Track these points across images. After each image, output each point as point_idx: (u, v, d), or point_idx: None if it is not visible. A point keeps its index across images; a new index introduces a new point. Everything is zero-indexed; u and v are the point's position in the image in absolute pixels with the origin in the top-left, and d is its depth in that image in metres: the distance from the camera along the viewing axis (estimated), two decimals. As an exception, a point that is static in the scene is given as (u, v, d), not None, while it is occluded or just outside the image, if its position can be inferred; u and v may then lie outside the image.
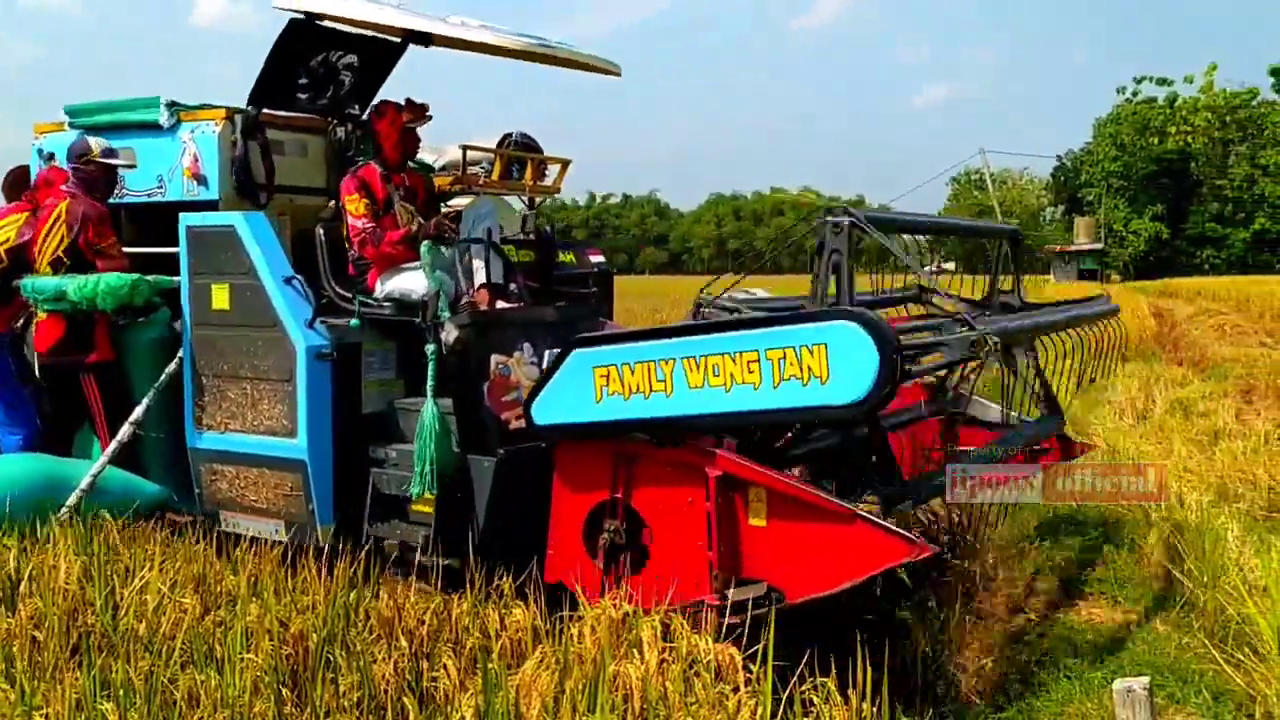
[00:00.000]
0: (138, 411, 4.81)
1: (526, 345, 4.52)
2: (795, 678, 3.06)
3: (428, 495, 4.22)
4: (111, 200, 5.18)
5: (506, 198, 5.87)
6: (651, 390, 3.48)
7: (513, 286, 4.89)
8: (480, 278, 4.69)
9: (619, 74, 5.41)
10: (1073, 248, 57.80)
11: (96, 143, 5.04)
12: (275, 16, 4.74)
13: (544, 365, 4.28)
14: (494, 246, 4.84)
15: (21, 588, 3.88)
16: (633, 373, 3.52)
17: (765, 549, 3.48)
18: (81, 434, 5.16)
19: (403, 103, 4.94)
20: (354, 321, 4.57)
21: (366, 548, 4.18)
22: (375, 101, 5.20)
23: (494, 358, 4.35)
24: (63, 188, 5.00)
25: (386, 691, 3.28)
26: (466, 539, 4.16)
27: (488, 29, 4.78)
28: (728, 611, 3.38)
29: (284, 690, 3.13)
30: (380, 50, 5.34)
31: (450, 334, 4.25)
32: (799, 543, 3.41)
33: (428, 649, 3.61)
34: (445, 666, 3.37)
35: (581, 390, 3.63)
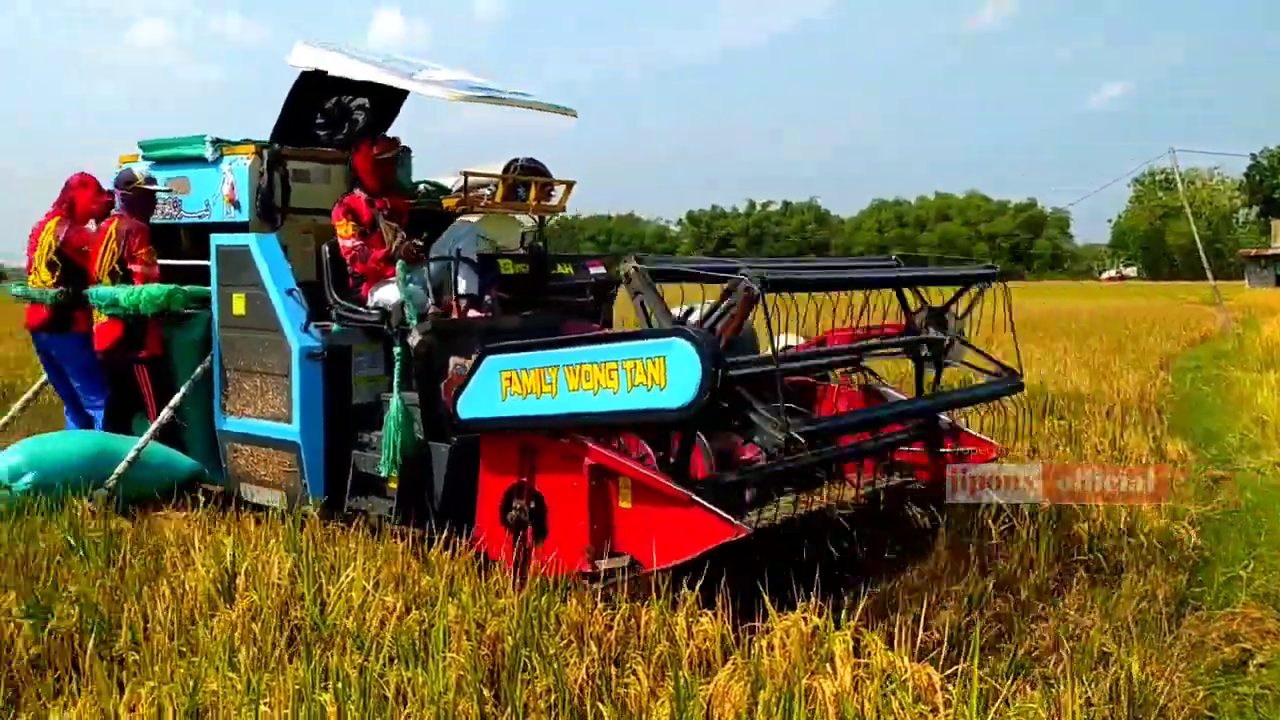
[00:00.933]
0: (175, 399, 5.83)
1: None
2: (1000, 701, 2.96)
3: (394, 474, 4.95)
4: (169, 220, 6.23)
5: (517, 215, 6.59)
6: (542, 392, 4.11)
7: (487, 298, 5.67)
8: (460, 289, 5.49)
9: (575, 115, 6.12)
10: (1269, 251, 54.22)
11: (139, 171, 6.08)
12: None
13: None
14: (468, 263, 5.63)
15: (238, 581, 4.13)
16: (529, 376, 4.16)
17: (630, 527, 4.05)
18: (139, 416, 6.10)
19: (377, 139, 5.89)
20: (335, 328, 5.40)
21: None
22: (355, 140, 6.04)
23: (453, 360, 4.83)
24: (112, 211, 6.06)
25: (579, 696, 3.34)
26: (427, 511, 4.82)
27: (437, 85, 5.58)
28: (602, 579, 3.98)
29: (484, 689, 3.22)
30: (387, 93, 6.19)
31: (414, 339, 4.99)
32: (654, 522, 3.95)
33: (615, 655, 3.66)
34: (636, 673, 3.39)
35: (491, 390, 4.28)
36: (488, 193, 6.12)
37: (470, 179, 6.02)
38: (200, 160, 6.00)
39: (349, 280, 5.61)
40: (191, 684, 3.12)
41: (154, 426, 5.76)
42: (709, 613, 3.81)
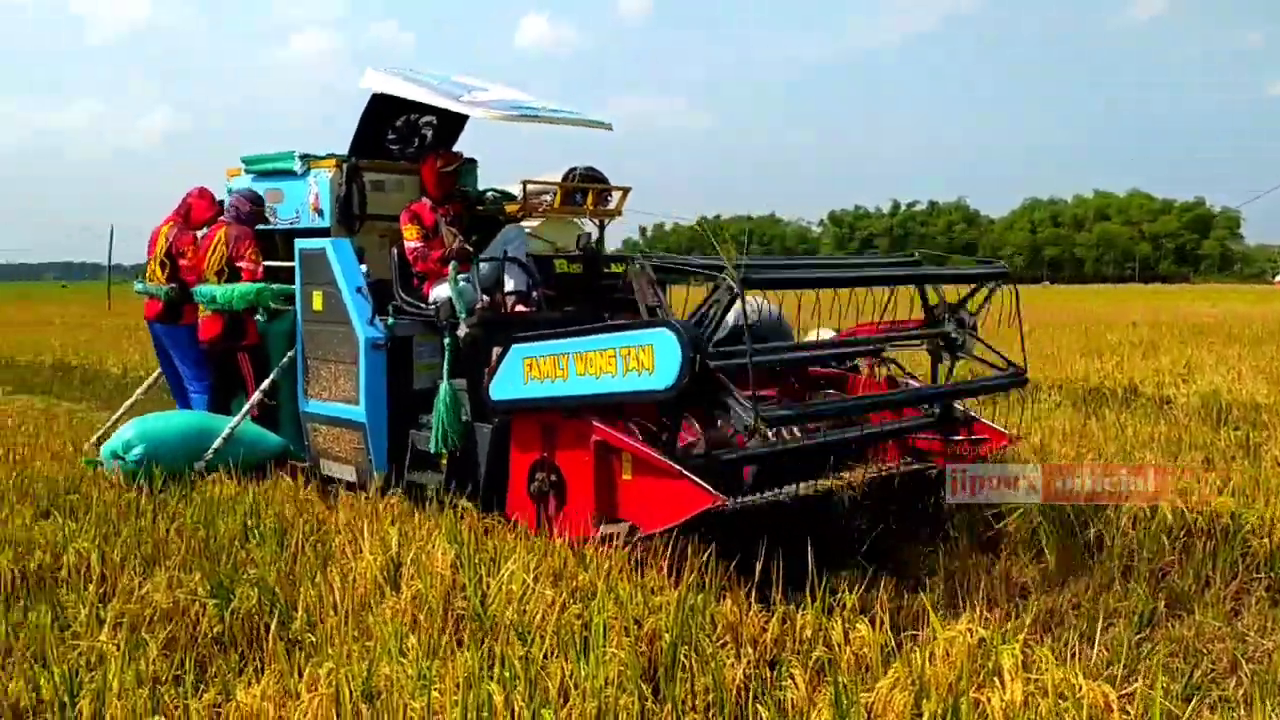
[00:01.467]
0: (265, 383, 6.60)
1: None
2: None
3: (444, 451, 5.52)
4: (268, 227, 6.96)
5: (576, 219, 7.16)
6: (556, 376, 4.67)
7: (534, 294, 6.16)
8: (509, 287, 6.04)
9: (610, 129, 6.66)
10: None
11: (275, 193, 6.94)
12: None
13: None
14: (515, 262, 6.16)
15: (403, 570, 4.28)
16: (546, 362, 4.71)
17: (630, 496, 4.54)
18: (238, 398, 6.86)
19: (441, 153, 6.60)
20: (390, 321, 6.02)
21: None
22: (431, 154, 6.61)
23: (495, 350, 5.21)
24: (221, 218, 6.90)
25: (736, 697, 3.33)
26: (475, 485, 5.34)
27: (480, 105, 6.22)
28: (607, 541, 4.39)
29: (643, 685, 3.24)
30: (452, 112, 6.70)
31: (462, 331, 5.56)
32: (650, 491, 4.42)
33: (770, 657, 3.64)
34: (793, 677, 3.36)
35: (516, 375, 4.86)
36: (547, 199, 6.73)
37: (530, 187, 6.67)
38: (291, 173, 6.76)
39: (414, 279, 6.23)
40: (365, 667, 3.24)
41: (245, 408, 6.58)
42: (866, 618, 3.76)
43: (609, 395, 4.50)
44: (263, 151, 7.05)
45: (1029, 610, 4.32)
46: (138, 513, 5.26)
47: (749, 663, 3.49)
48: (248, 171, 7.18)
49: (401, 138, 7.00)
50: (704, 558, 4.16)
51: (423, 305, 6.03)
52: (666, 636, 3.53)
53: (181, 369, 7.24)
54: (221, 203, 7.09)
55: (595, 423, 4.60)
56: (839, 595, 3.90)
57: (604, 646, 3.37)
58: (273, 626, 3.72)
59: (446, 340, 5.61)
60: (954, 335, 5.43)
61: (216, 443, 6.34)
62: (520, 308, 6.10)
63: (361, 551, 4.43)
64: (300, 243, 6.48)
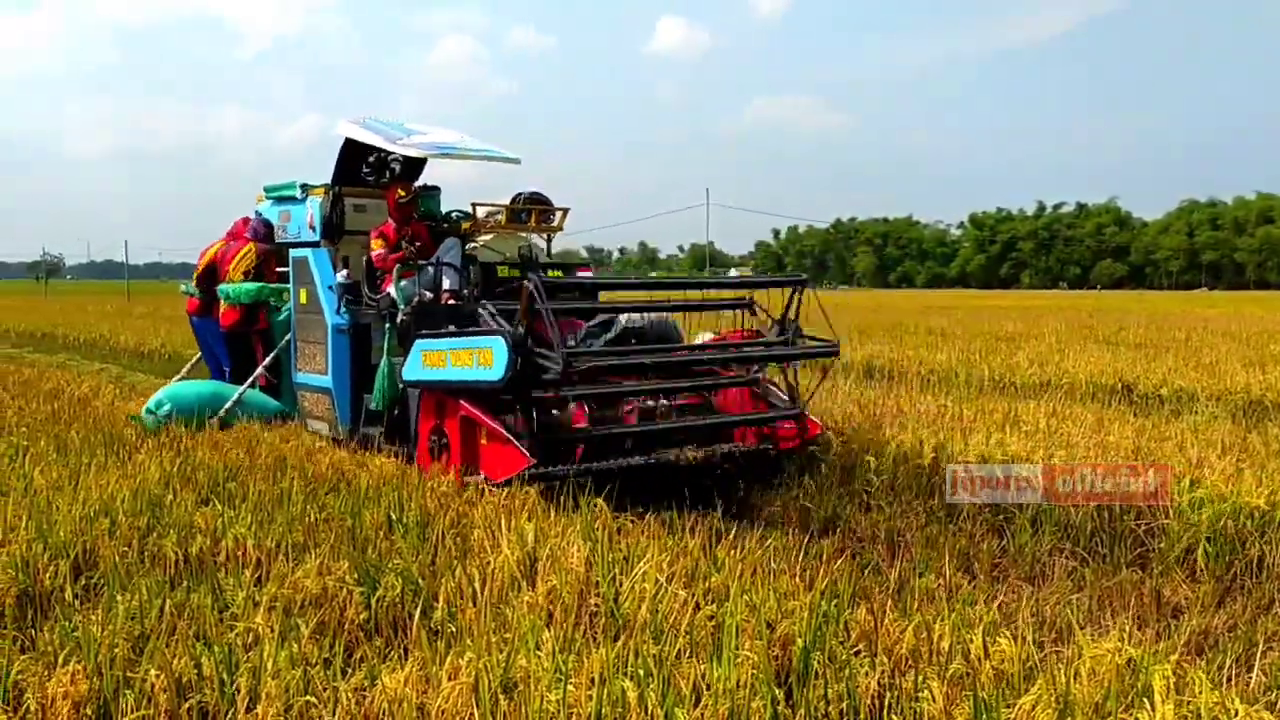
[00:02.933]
0: (267, 360, 8.93)
1: (451, 327, 6.81)
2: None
3: (383, 409, 7.36)
4: (282, 242, 9.12)
5: (524, 233, 8.76)
6: (439, 365, 6.26)
7: (465, 292, 7.49)
8: (445, 285, 7.51)
9: (519, 163, 8.30)
10: None
11: (267, 216, 9.25)
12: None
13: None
14: (449, 266, 7.65)
15: (539, 566, 4.36)
16: (434, 355, 6.32)
17: (485, 456, 6.13)
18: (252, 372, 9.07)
19: (400, 183, 8.32)
20: (344, 311, 7.89)
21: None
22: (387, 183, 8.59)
23: (424, 333, 6.74)
24: (246, 234, 9.22)
25: (870, 706, 3.28)
26: (409, 434, 7.06)
27: (411, 146, 7.89)
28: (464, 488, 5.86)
29: (775, 690, 3.23)
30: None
31: (399, 319, 7.15)
32: (495, 453, 6.01)
33: (905, 667, 3.57)
34: (930, 689, 3.29)
35: (417, 362, 6.51)
36: (497, 218, 8.31)
37: (480, 209, 8.28)
38: (296, 199, 8.86)
39: (376, 280, 7.84)
40: (504, 658, 3.32)
41: (250, 379, 8.87)
42: (1006, 632, 3.65)
43: (467, 383, 6.03)
44: (280, 182, 9.19)
45: (1181, 630, 4.14)
46: (290, 501, 5.50)
47: (884, 672, 3.43)
48: (269, 198, 9.31)
49: (374, 170, 8.87)
50: (838, 564, 4.12)
51: (377, 299, 7.69)
52: (799, 641, 3.50)
53: (218, 350, 9.59)
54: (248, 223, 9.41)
55: (463, 402, 6.17)
56: (976, 606, 3.79)
57: (736, 649, 3.37)
58: (416, 615, 3.84)
59: (388, 325, 7.30)
60: (786, 339, 6.92)
61: (228, 404, 8.51)
62: (451, 302, 7.44)
63: (499, 546, 4.53)
64: (293, 251, 8.58)
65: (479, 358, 5.86)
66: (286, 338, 8.75)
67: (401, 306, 7.22)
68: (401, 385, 7.04)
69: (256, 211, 9.45)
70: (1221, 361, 13.06)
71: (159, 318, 26.71)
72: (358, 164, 8.73)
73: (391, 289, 7.50)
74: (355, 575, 4.23)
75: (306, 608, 3.95)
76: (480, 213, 8.32)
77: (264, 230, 9.14)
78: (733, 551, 4.55)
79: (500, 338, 5.72)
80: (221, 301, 9.18)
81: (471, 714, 3.11)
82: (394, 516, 5.25)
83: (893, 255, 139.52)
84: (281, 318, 8.92)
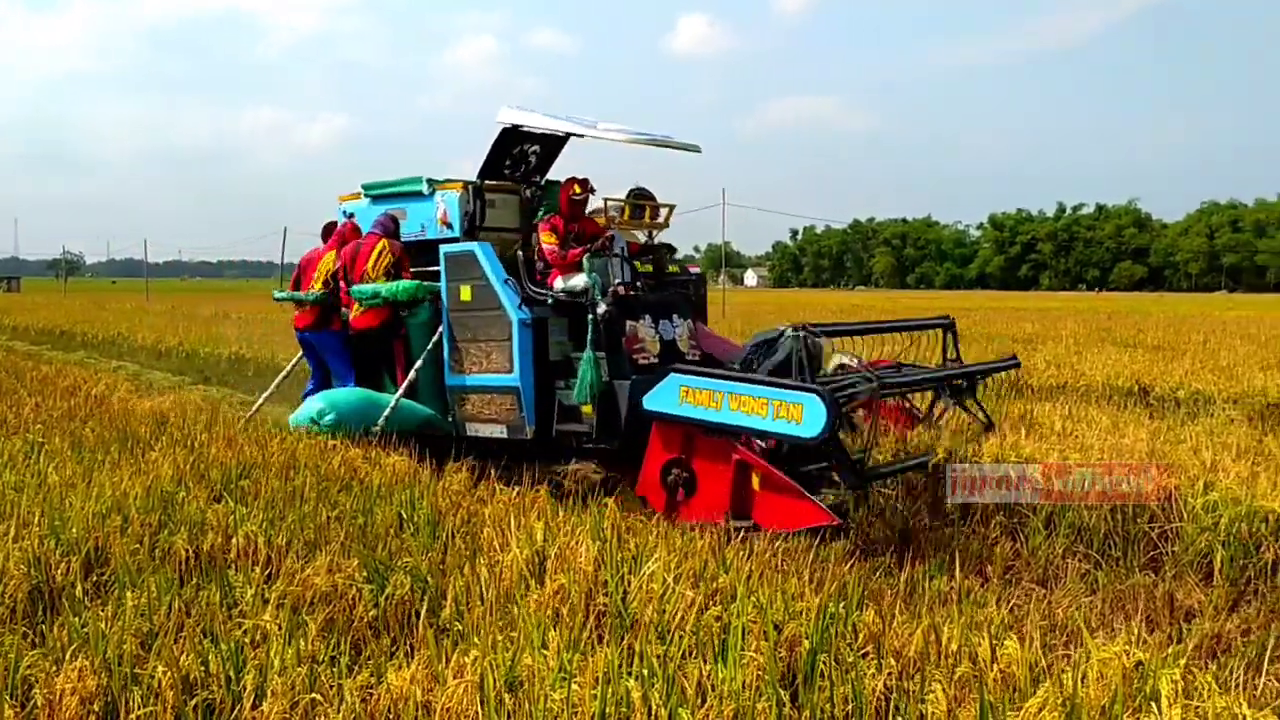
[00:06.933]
0: (418, 364, 7.97)
1: (646, 316, 7.46)
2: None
3: (587, 407, 7.09)
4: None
5: (635, 231, 8.64)
6: (709, 405, 5.92)
7: (638, 284, 7.69)
8: (617, 278, 7.43)
9: (698, 150, 8.23)
10: None
11: (398, 212, 8.41)
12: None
13: (657, 330, 7.54)
14: (625, 260, 7.70)
15: (548, 565, 4.36)
16: (701, 393, 5.97)
17: (761, 503, 5.81)
18: (385, 378, 8.35)
19: (577, 180, 7.92)
20: (549, 300, 7.51)
21: None
22: (563, 179, 8.08)
23: (628, 323, 7.23)
24: (374, 232, 8.23)
25: (876, 708, 3.27)
26: (615, 430, 6.99)
27: (612, 130, 7.73)
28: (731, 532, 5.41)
29: (781, 691, 3.22)
30: (553, 142, 8.40)
31: (602, 309, 7.07)
32: (776, 503, 5.72)
33: (913, 670, 3.56)
34: (935, 693, 3.28)
35: (671, 395, 6.12)
36: (616, 215, 8.12)
37: (609, 202, 8.13)
38: (417, 195, 8.25)
39: (536, 274, 7.71)
40: (509, 657, 3.33)
41: (404, 385, 8.00)
42: (1014, 635, 3.63)
43: (757, 430, 5.78)
44: (380, 179, 8.59)
45: (1192, 634, 4.11)
46: (301, 499, 5.52)
47: (890, 674, 3.42)
48: (367, 196, 8.70)
49: (514, 163, 8.43)
50: (848, 566, 4.11)
51: (551, 292, 7.48)
52: (806, 643, 3.49)
53: (332, 365, 8.67)
54: (358, 227, 8.61)
55: (739, 445, 5.92)
56: (986, 609, 3.78)
57: (742, 650, 3.37)
58: (423, 613, 3.85)
59: (590, 317, 7.08)
60: (962, 385, 7.28)
61: (387, 411, 7.75)
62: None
63: (509, 544, 4.54)
64: (446, 248, 7.88)
65: (778, 409, 5.56)
66: (433, 339, 7.99)
67: (599, 298, 7.10)
68: (605, 379, 6.98)
69: (344, 212, 8.86)
70: (1239, 364, 12.96)
71: (177, 315, 26.89)
72: (504, 156, 8.26)
73: (574, 280, 7.41)
74: (365, 573, 4.25)
75: (315, 605, 3.97)
76: (608, 207, 8.15)
77: (394, 227, 8.38)
78: (741, 552, 4.54)
79: (816, 396, 5.43)
80: (356, 304, 8.21)
81: (476, 712, 3.12)
82: (405, 515, 5.27)
83: (911, 256, 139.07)
84: (418, 319, 8.14)
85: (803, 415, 5.48)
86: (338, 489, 5.88)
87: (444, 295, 7.88)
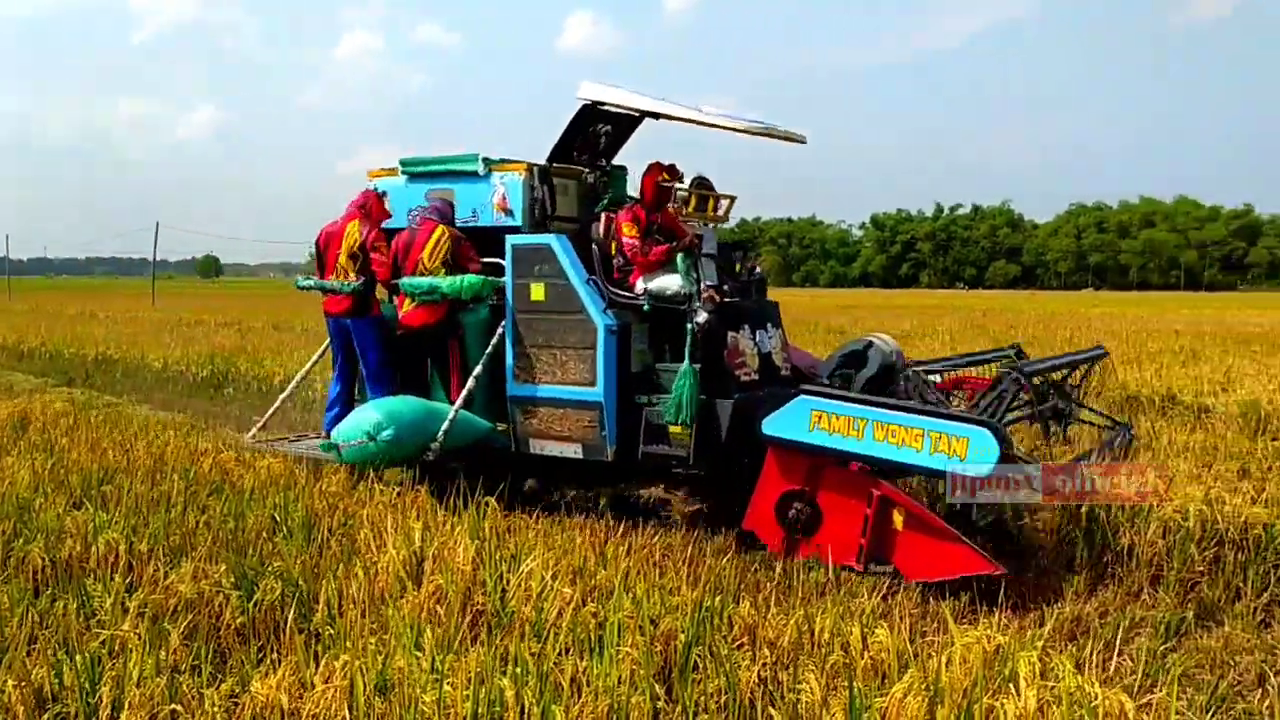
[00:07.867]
0: (477, 370, 6.59)
1: (745, 326, 6.33)
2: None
3: (679, 426, 5.92)
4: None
5: (696, 220, 7.53)
6: (849, 433, 5.16)
7: (725, 286, 6.48)
8: (708, 280, 6.27)
9: (804, 141, 7.07)
10: None
11: (446, 192, 7.01)
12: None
13: (755, 342, 6.35)
14: (710, 258, 6.39)
15: (425, 565, 4.30)
16: (839, 420, 5.20)
17: (899, 544, 5.11)
18: (434, 385, 6.99)
19: (664, 166, 6.70)
20: (645, 307, 6.28)
21: None
22: (649, 162, 6.85)
23: (729, 334, 6.07)
24: (431, 217, 6.84)
25: (750, 698, 3.32)
26: (711, 455, 5.85)
27: (701, 111, 6.53)
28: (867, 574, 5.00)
29: (656, 685, 3.24)
30: (626, 122, 7.19)
31: (701, 317, 5.96)
32: (920, 545, 5.02)
33: (787, 660, 3.62)
34: (808, 681, 3.34)
35: (801, 421, 5.32)
36: (681, 205, 7.18)
37: (678, 191, 7.04)
38: (470, 175, 6.93)
39: (614, 273, 6.54)
40: (381, 660, 3.27)
41: (464, 393, 6.63)
42: (885, 623, 3.73)
43: (908, 466, 5.10)
44: (422, 155, 7.30)
45: (1052, 618, 4.28)
46: (169, 504, 5.33)
47: (764, 665, 3.48)
48: (405, 173, 7.34)
49: (584, 145, 7.32)
50: (723, 560, 4.15)
51: (639, 297, 6.37)
52: (682, 637, 3.53)
53: (369, 361, 7.19)
54: (381, 198, 7.28)
55: (881, 480, 5.23)
56: (858, 600, 3.87)
57: (618, 645, 3.37)
58: (290, 618, 3.75)
59: (689, 325, 6.01)
60: (1061, 407, 6.84)
61: (445, 424, 6.38)
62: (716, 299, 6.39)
63: (386, 546, 4.46)
64: (513, 239, 6.60)
65: (936, 441, 4.91)
66: (494, 341, 6.73)
67: (700, 305, 6.05)
68: (704, 397, 5.94)
69: (374, 188, 7.40)
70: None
71: (41, 314, 25.68)
72: (575, 138, 7.11)
73: (663, 280, 6.38)
74: (233, 579, 4.12)
75: (179, 613, 3.84)
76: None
77: (451, 212, 7.07)
78: (621, 549, 4.55)
79: (986, 431, 4.85)
80: (406, 300, 6.91)
81: (344, 717, 3.06)
82: (278, 518, 5.13)
83: (797, 255, 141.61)
84: (477, 318, 6.93)
85: (967, 450, 4.87)
86: (208, 493, 5.70)
87: (509, 293, 6.64)
